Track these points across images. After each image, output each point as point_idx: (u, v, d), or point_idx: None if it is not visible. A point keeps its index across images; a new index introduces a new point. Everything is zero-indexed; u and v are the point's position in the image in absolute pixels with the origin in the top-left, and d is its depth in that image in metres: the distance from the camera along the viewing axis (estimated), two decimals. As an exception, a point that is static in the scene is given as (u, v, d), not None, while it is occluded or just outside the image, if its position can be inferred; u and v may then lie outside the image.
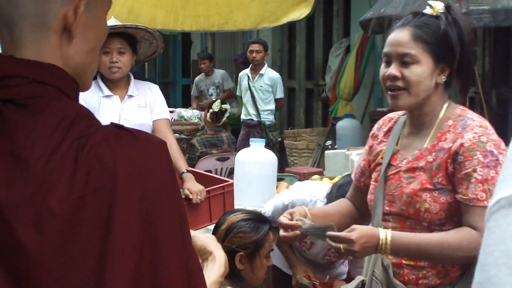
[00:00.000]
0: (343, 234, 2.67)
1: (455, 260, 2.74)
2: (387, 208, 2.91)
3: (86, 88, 1.68)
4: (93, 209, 1.40)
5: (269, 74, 10.83)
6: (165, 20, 7.49)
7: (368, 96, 10.44)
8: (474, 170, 2.69)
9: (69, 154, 1.41)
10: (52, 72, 1.53)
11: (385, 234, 2.64)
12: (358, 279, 3.12)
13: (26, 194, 1.39)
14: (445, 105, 2.91)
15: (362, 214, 3.25)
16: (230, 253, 3.25)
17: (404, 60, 2.79)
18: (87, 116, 1.53)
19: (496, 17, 7.30)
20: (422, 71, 2.80)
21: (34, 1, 1.51)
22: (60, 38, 1.55)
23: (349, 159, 6.32)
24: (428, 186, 2.78)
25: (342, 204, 3.34)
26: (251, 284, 3.79)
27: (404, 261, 2.92)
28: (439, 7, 2.86)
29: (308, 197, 4.60)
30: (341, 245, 2.65)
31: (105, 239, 1.41)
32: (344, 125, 10.21)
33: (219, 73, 13.23)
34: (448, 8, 2.90)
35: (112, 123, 1.55)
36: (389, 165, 2.92)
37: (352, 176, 3.35)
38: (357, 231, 2.66)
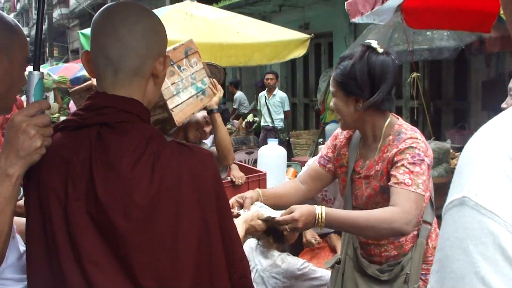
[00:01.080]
0: (287, 217, 2.43)
1: (380, 231, 2.48)
2: (353, 203, 2.78)
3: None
4: (165, 203, 1.45)
5: (280, 94, 10.91)
6: (209, 60, 7.47)
7: (347, 107, 10.38)
8: (403, 165, 2.54)
9: (147, 163, 1.45)
10: (133, 104, 1.53)
11: (321, 210, 2.42)
12: (335, 257, 2.89)
13: (118, 192, 1.42)
14: (386, 122, 2.68)
15: (310, 194, 3.04)
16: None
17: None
18: (159, 135, 1.54)
19: (432, 53, 7.30)
20: (338, 102, 2.70)
21: (138, 57, 1.52)
22: (147, 82, 1.57)
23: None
24: (378, 190, 2.66)
25: (292, 185, 3.07)
26: (288, 241, 3.65)
27: (369, 241, 2.79)
28: (359, 48, 2.66)
29: None
30: (286, 226, 2.44)
31: (175, 225, 1.45)
32: (330, 128, 10.12)
33: (241, 95, 13.32)
34: (363, 47, 2.64)
35: (173, 140, 1.56)
36: (353, 170, 2.77)
37: (316, 162, 3.01)
38: (298, 211, 2.43)
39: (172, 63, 3.09)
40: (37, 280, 1.50)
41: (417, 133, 2.65)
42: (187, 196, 1.48)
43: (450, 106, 9.46)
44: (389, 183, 2.54)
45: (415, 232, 2.73)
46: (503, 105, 2.88)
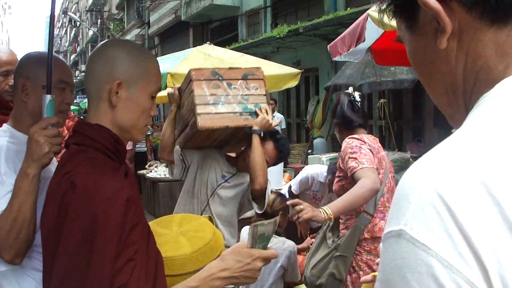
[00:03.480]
0: (299, 201, 2.45)
1: (365, 196, 2.53)
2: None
3: (137, 139, 1.48)
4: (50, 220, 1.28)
5: (278, 115, 10.63)
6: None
7: (330, 126, 10.37)
8: (348, 157, 2.73)
9: (61, 180, 1.26)
10: (92, 128, 1.36)
11: (325, 210, 2.39)
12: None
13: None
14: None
15: None
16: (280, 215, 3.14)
17: None
18: (86, 158, 1.31)
19: (395, 83, 7.32)
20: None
21: (95, 83, 1.37)
22: (109, 106, 1.36)
23: (320, 160, 6.30)
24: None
25: None
26: (282, 227, 3.60)
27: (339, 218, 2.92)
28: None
29: (318, 171, 4.46)
30: (299, 209, 2.36)
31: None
32: (317, 142, 10.11)
33: None
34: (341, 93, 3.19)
35: (90, 164, 1.31)
36: None
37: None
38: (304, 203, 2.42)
39: (220, 78, 2.88)
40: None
41: (354, 138, 2.88)
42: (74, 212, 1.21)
43: (409, 125, 9.43)
44: (347, 173, 2.72)
45: (356, 219, 2.84)
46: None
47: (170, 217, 1.89)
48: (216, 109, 2.79)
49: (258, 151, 2.87)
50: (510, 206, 0.50)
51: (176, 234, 1.73)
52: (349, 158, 2.73)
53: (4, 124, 1.78)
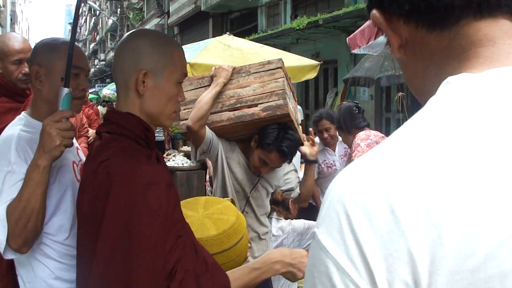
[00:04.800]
0: None
1: None
2: None
3: (166, 125, 1.51)
4: (96, 206, 1.30)
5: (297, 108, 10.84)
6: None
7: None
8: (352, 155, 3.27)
9: (97, 168, 1.31)
10: (122, 116, 1.42)
11: None
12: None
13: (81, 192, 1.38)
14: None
15: None
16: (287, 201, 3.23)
17: None
18: (122, 147, 1.35)
19: (414, 77, 7.28)
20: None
21: (122, 74, 1.43)
22: (138, 95, 1.42)
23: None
24: None
25: None
26: (292, 214, 3.68)
27: None
28: None
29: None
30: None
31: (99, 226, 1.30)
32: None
33: None
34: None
35: (155, 154, 1.42)
36: None
37: None
38: None
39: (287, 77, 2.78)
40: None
41: (369, 133, 3.49)
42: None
43: (428, 118, 9.38)
44: None
45: None
46: None
47: (195, 200, 1.95)
48: (289, 101, 2.68)
49: (311, 179, 3.05)
50: (407, 220, 0.52)
51: (202, 217, 1.80)
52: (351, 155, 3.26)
53: (23, 112, 1.77)
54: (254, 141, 2.71)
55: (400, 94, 6.79)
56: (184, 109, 2.77)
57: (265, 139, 2.63)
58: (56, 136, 1.49)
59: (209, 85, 2.74)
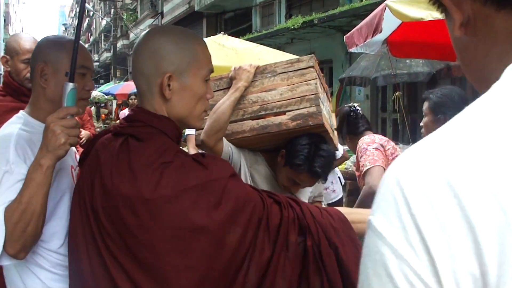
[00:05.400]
0: None
1: (368, 201, 2.66)
2: None
3: (197, 127, 1.47)
4: (169, 208, 1.24)
5: None
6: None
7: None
8: (358, 159, 3.07)
9: (158, 170, 1.25)
10: (159, 120, 1.35)
11: None
12: None
13: (128, 190, 1.25)
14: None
15: None
16: None
17: None
18: (174, 149, 1.32)
19: (410, 76, 7.29)
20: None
21: (144, 79, 1.36)
22: (163, 98, 1.35)
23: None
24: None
25: None
26: None
27: None
28: None
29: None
30: None
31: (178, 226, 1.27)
32: (330, 134, 10.15)
33: None
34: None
35: (191, 155, 1.34)
36: None
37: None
38: None
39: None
40: (76, 266, 1.39)
41: (369, 137, 3.23)
42: (190, 204, 1.23)
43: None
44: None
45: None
46: (421, 123, 3.19)
47: None
48: (324, 107, 2.28)
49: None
50: (472, 205, 0.48)
51: None
52: (359, 160, 3.04)
53: (21, 111, 1.68)
54: (281, 157, 2.30)
55: (397, 93, 6.77)
56: None
57: (294, 158, 2.19)
58: (61, 134, 1.39)
59: (228, 88, 2.33)
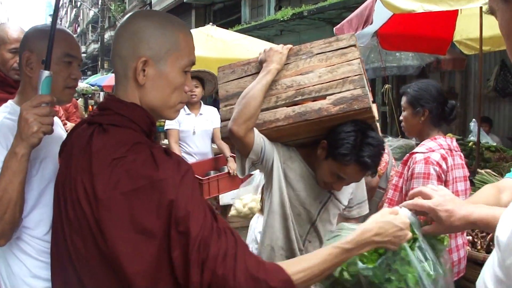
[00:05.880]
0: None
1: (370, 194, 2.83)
2: None
3: (170, 118, 1.39)
4: (119, 205, 1.16)
5: None
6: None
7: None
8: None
9: (109, 167, 1.18)
10: (128, 107, 1.29)
11: None
12: None
13: (87, 185, 1.21)
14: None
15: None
16: None
17: None
18: (132, 141, 1.23)
19: (400, 69, 7.30)
20: None
21: (121, 61, 1.29)
22: (137, 84, 1.29)
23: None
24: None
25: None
26: None
27: None
28: None
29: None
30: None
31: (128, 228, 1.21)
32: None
33: None
34: None
35: (156, 148, 1.24)
36: None
37: None
38: None
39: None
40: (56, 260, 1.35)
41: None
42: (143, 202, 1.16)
43: (413, 111, 9.42)
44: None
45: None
46: (401, 117, 2.98)
47: None
48: (369, 92, 2.05)
49: None
50: None
51: None
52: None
53: (9, 100, 1.72)
54: (322, 149, 2.03)
55: (387, 86, 6.76)
56: (225, 106, 2.16)
57: (339, 148, 1.93)
58: (33, 122, 1.40)
59: (257, 73, 2.09)
